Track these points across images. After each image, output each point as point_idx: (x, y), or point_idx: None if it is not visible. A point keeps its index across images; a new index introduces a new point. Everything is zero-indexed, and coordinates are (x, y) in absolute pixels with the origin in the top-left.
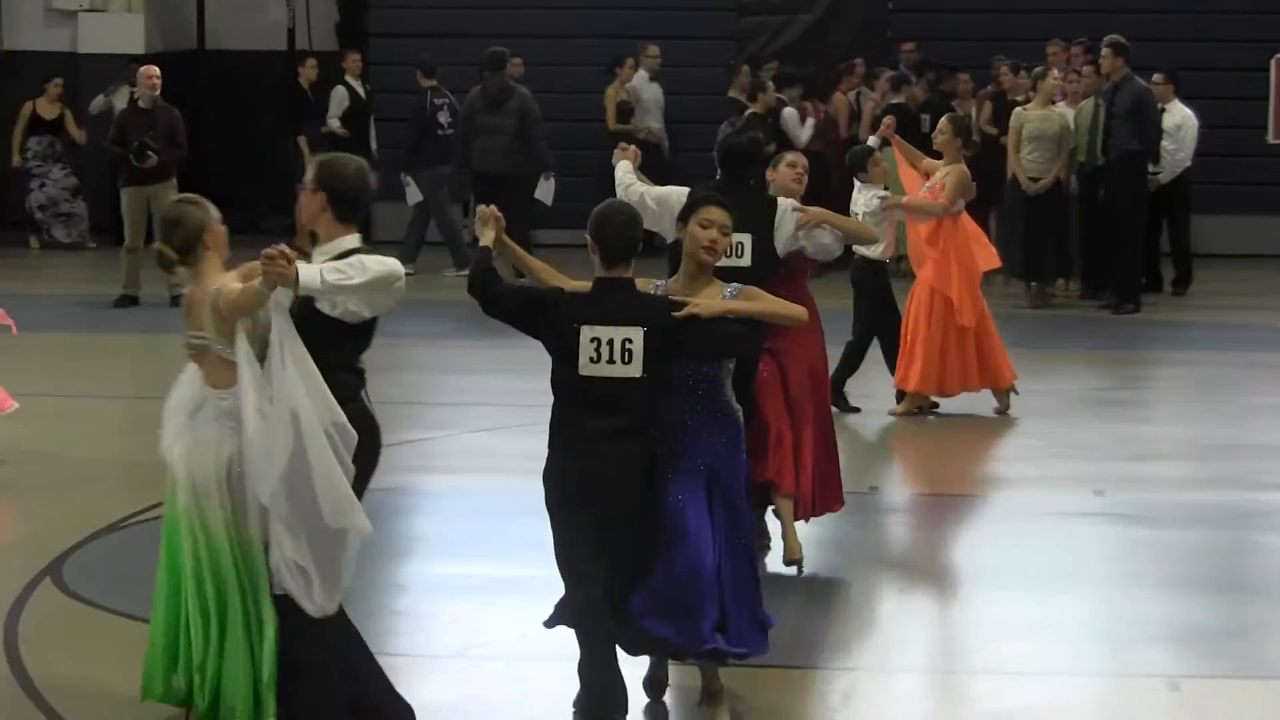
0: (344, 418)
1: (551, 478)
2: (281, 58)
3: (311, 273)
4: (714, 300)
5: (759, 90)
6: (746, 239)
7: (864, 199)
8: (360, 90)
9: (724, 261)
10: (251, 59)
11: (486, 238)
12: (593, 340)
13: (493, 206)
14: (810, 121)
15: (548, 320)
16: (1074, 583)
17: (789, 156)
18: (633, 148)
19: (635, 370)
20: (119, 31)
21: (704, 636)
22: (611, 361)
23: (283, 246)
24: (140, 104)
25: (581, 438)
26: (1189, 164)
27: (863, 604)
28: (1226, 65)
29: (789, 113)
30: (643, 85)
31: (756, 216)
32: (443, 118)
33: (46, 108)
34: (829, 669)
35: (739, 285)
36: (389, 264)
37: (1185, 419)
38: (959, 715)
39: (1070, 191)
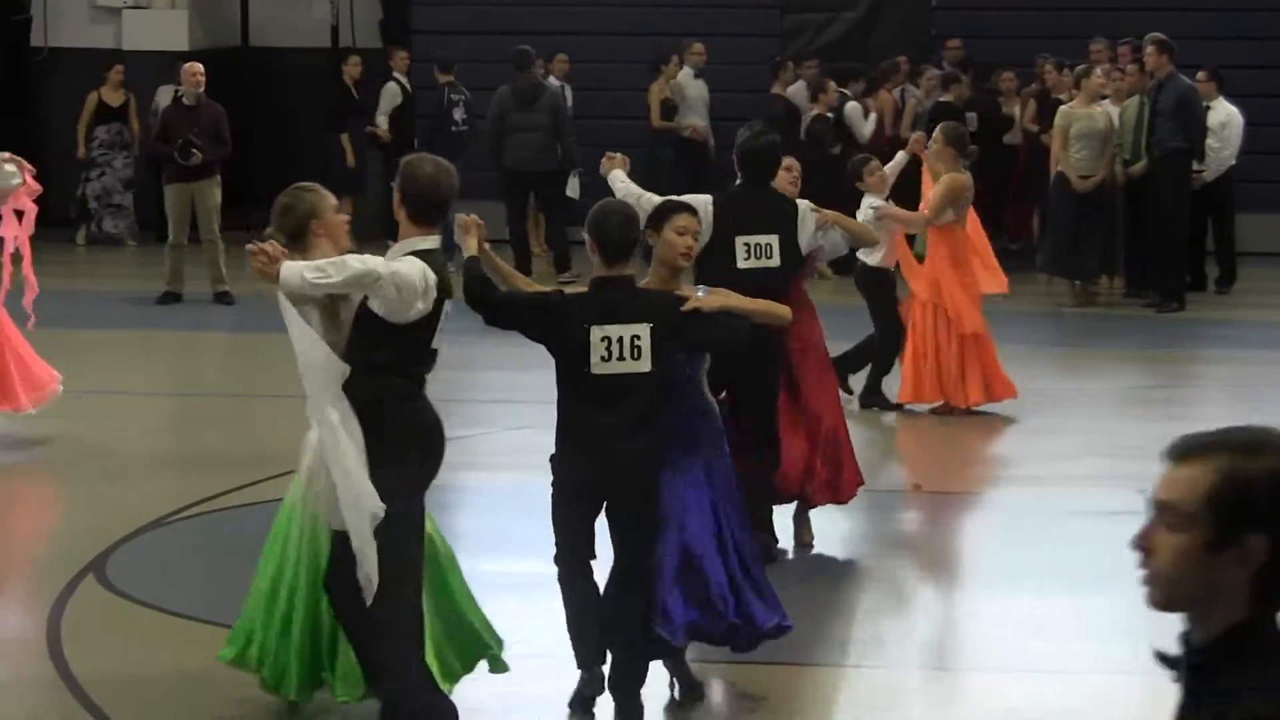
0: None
1: (561, 475)
2: (325, 55)
3: (292, 271)
4: (715, 296)
5: (820, 90)
6: (774, 240)
7: (864, 206)
8: (407, 87)
9: (753, 263)
10: (295, 56)
11: (470, 247)
12: (603, 339)
13: (473, 215)
14: (874, 117)
15: (555, 323)
16: (1115, 582)
17: (785, 160)
18: (620, 155)
19: (645, 365)
20: (163, 28)
21: (727, 616)
22: (622, 358)
23: (266, 244)
24: (184, 101)
25: (594, 435)
26: (1234, 162)
27: (902, 602)
28: (1272, 63)
29: (852, 108)
30: (688, 82)
31: (781, 218)
32: (458, 114)
33: (111, 95)
34: (869, 667)
35: (706, 286)
36: (370, 263)
37: (1228, 418)
38: (997, 714)
39: (1117, 184)
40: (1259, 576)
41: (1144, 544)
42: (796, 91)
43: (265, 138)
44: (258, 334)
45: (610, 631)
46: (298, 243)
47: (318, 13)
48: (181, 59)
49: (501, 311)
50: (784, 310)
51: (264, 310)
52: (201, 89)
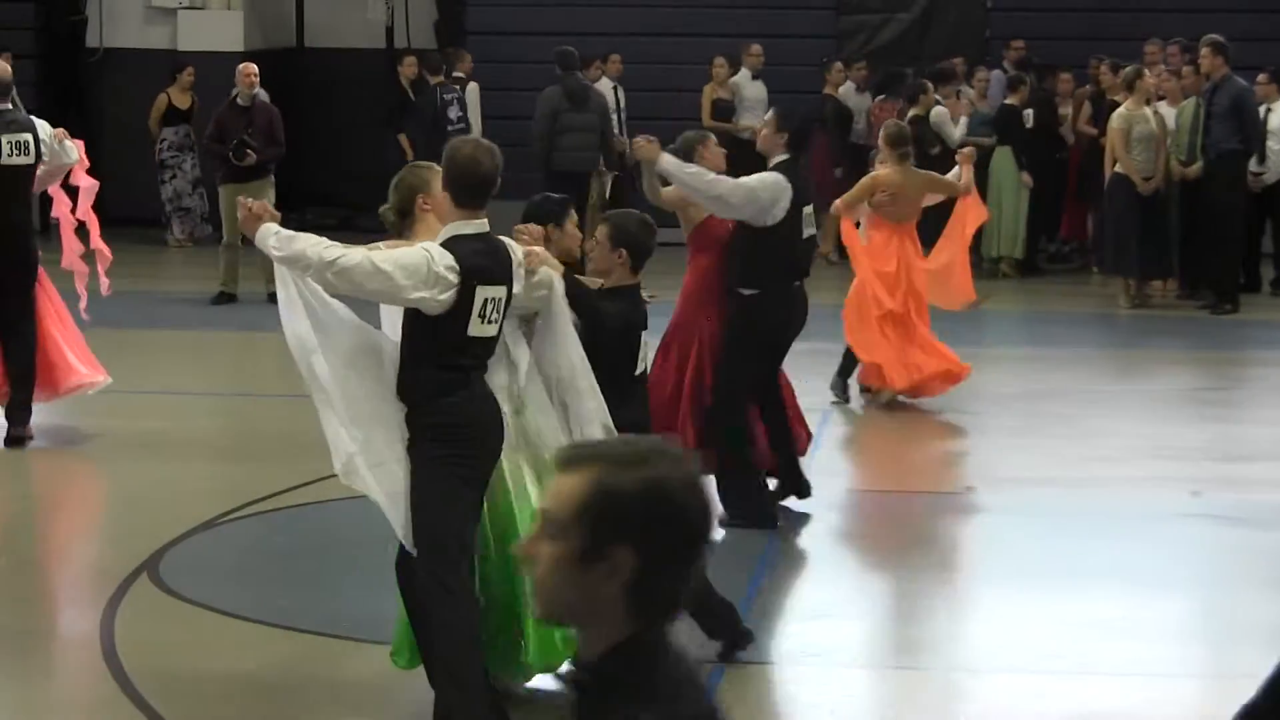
0: None
1: None
2: (380, 55)
3: (264, 232)
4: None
5: (920, 92)
6: (810, 209)
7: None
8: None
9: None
10: (350, 57)
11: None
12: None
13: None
14: (964, 120)
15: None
16: (1171, 583)
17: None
18: (654, 139)
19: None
20: (218, 29)
21: None
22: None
23: (250, 201)
24: (239, 102)
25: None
26: None
27: (961, 604)
28: None
29: (939, 111)
30: (745, 83)
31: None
32: (453, 113)
33: (180, 97)
34: (923, 669)
35: None
36: (354, 255)
37: None
38: (1055, 716)
39: (1172, 186)
40: (630, 590)
41: (528, 552)
42: (847, 92)
43: (319, 138)
44: None
45: None
46: (406, 219)
47: (373, 14)
48: (236, 60)
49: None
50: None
51: None
52: (255, 89)
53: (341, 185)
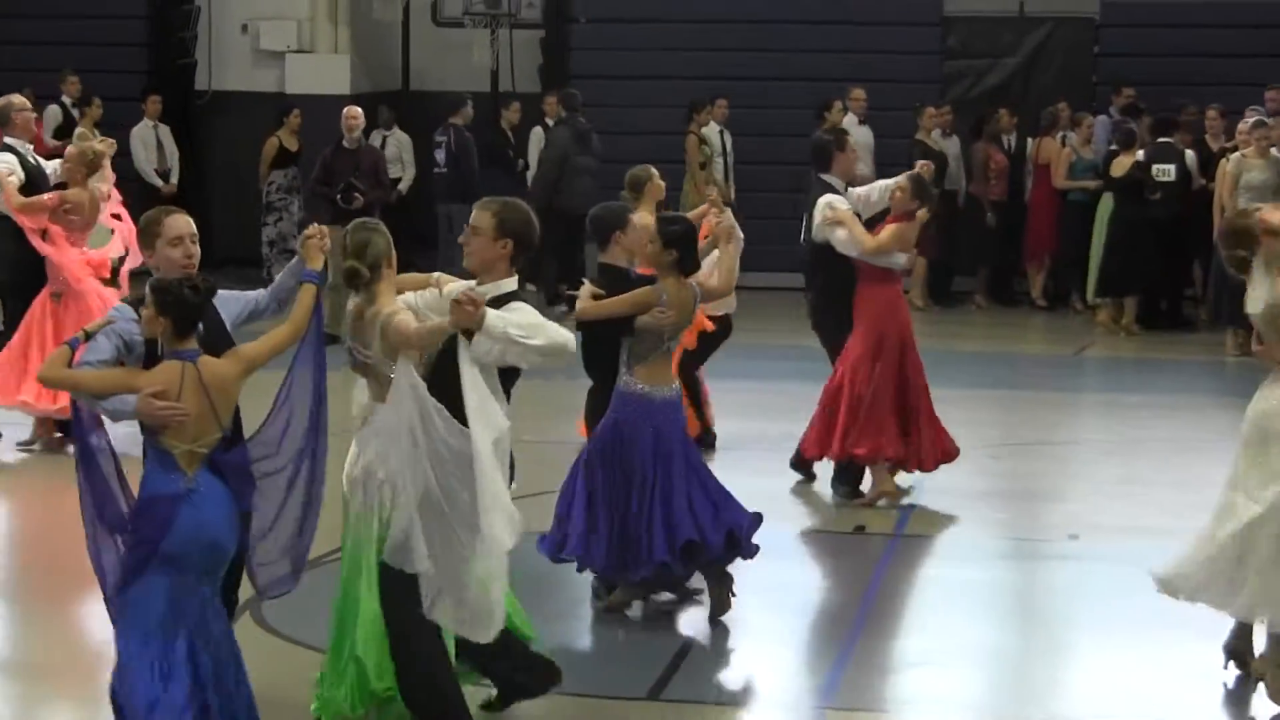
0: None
1: None
2: (485, 99)
3: (496, 323)
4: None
5: (1130, 137)
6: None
7: None
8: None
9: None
10: (455, 100)
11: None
12: None
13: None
14: (1192, 155)
15: None
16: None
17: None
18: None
19: None
20: (326, 72)
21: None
22: None
23: (474, 293)
24: (344, 144)
25: None
26: None
27: (1063, 653)
28: None
29: (1190, 155)
30: (852, 128)
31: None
32: (439, 155)
33: (289, 139)
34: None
35: None
36: (564, 336)
37: None
38: None
39: None
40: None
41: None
42: (936, 136)
43: (425, 179)
44: None
45: None
46: (373, 274)
47: (478, 58)
48: (343, 103)
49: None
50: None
51: None
52: (359, 132)
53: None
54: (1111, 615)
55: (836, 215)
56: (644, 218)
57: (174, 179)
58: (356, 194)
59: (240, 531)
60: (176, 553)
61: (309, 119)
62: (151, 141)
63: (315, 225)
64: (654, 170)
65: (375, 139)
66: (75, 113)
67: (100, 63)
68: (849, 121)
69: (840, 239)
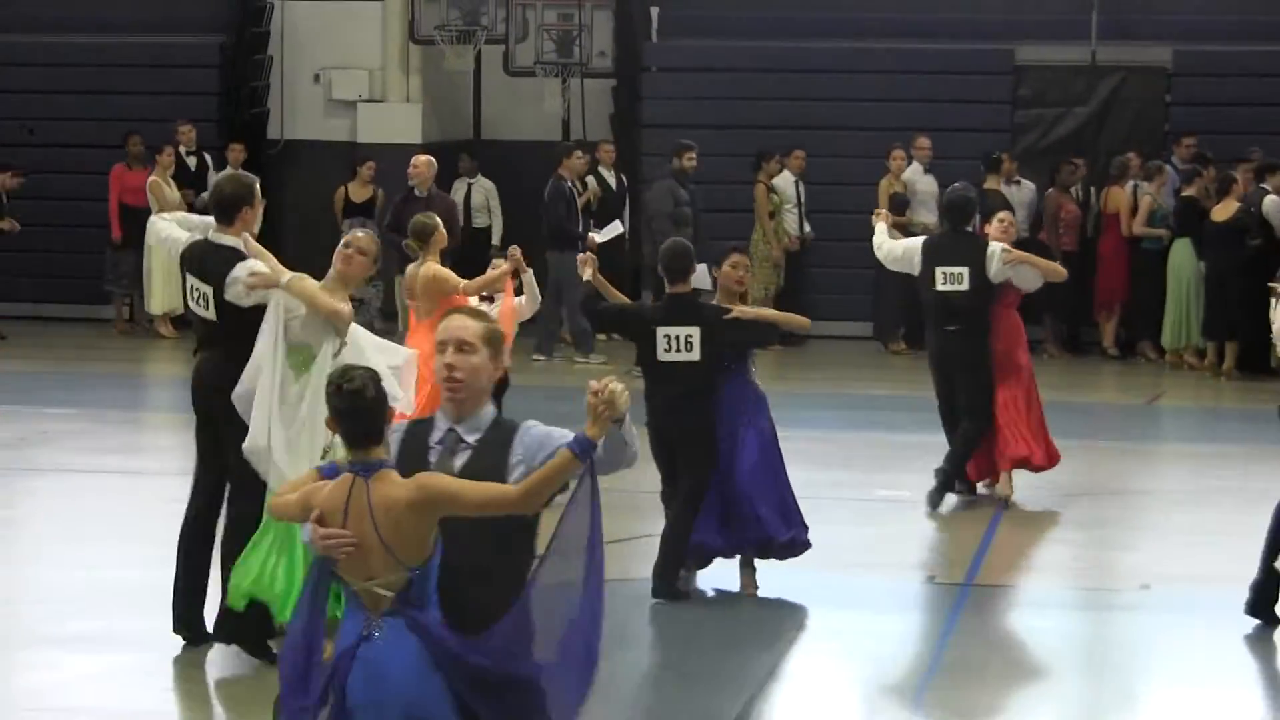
0: None
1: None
2: (556, 147)
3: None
4: (750, 309)
5: (1230, 183)
6: (965, 270)
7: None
8: (610, 180)
9: (945, 285)
10: (526, 148)
11: (587, 274)
12: (665, 336)
13: (587, 254)
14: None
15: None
16: None
17: (733, 258)
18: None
19: (695, 356)
20: (397, 121)
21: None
22: (674, 351)
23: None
24: (416, 193)
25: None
26: None
27: (1137, 705)
28: None
29: (1272, 201)
30: (917, 177)
31: (972, 253)
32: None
33: (358, 191)
34: None
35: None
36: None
37: None
38: None
39: None
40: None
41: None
42: (1005, 185)
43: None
44: None
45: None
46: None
47: (549, 106)
48: (414, 151)
49: (601, 318)
50: (803, 320)
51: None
52: (428, 181)
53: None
54: (1183, 666)
55: (1015, 256)
56: (429, 267)
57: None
58: None
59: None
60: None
61: (381, 168)
62: None
63: (599, 382)
64: (439, 220)
65: (459, 187)
66: (190, 160)
67: (173, 112)
68: (914, 170)
69: (1027, 275)
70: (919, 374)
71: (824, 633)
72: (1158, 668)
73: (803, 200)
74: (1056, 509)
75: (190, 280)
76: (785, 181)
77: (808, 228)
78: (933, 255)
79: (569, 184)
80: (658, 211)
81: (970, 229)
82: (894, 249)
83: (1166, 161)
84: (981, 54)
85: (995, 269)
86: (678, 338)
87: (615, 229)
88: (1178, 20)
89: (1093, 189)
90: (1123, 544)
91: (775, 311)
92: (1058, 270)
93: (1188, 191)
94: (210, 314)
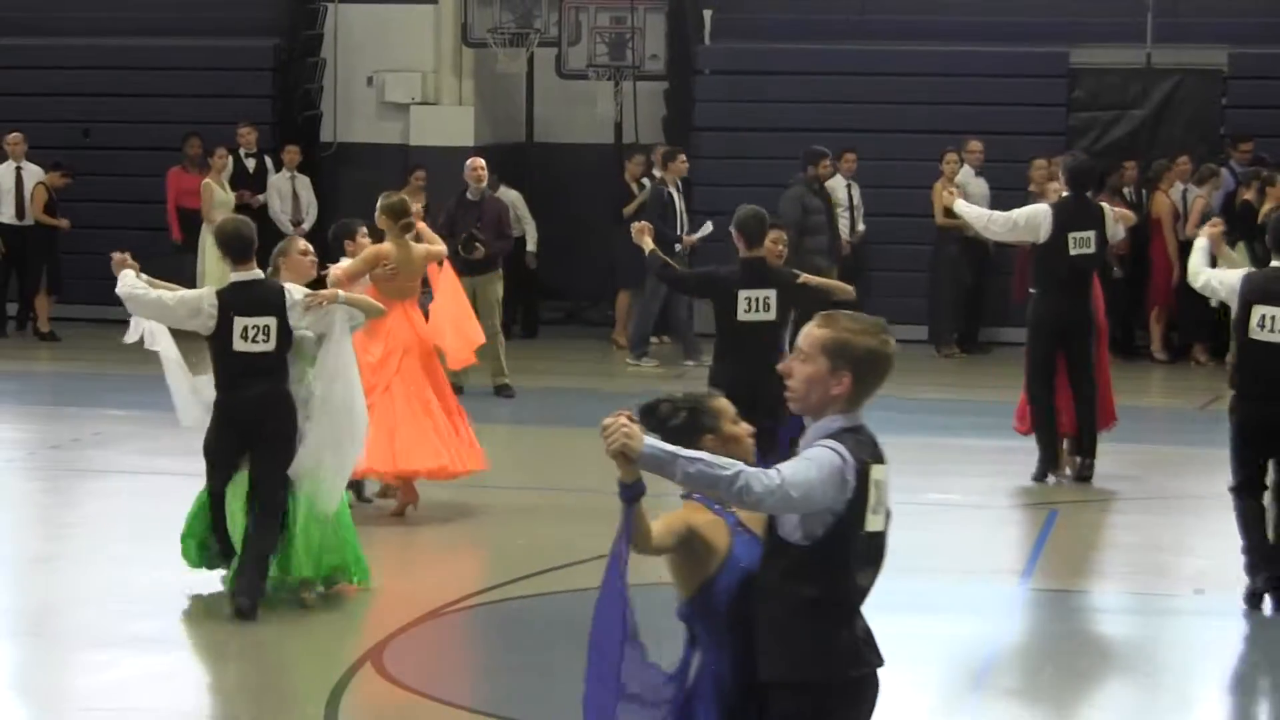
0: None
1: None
2: (609, 150)
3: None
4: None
5: (1269, 184)
6: (1092, 234)
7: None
8: (667, 184)
9: (1077, 250)
10: (579, 151)
11: (648, 246)
12: (745, 298)
13: (643, 222)
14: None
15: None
16: None
17: (773, 234)
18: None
19: (771, 315)
20: (450, 124)
21: None
22: (754, 312)
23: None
24: (468, 196)
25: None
26: None
27: (1193, 709)
28: None
29: None
30: (969, 180)
31: (1096, 219)
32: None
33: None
34: None
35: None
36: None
37: None
38: None
39: None
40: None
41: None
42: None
43: (548, 232)
44: (538, 427)
45: None
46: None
47: (602, 110)
48: (467, 154)
49: (682, 282)
50: (849, 289)
51: (545, 404)
52: (484, 183)
53: (569, 279)
54: (1238, 671)
55: (1120, 213)
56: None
57: (306, 226)
58: (478, 244)
59: None
60: None
61: (433, 170)
62: (287, 191)
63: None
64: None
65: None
66: (249, 163)
67: (227, 114)
68: (965, 173)
69: (1120, 233)
70: (970, 377)
71: (876, 636)
72: (1212, 673)
73: (856, 203)
74: (1109, 513)
75: (242, 322)
76: (838, 184)
77: (860, 226)
78: (1065, 221)
79: (667, 190)
80: (788, 221)
81: (1090, 194)
82: (1012, 216)
83: (1224, 165)
84: (1036, 57)
85: (1112, 229)
86: (757, 299)
87: (707, 228)
88: (1233, 23)
89: (1143, 191)
90: (1177, 548)
91: (830, 280)
92: (1128, 216)
93: (1246, 195)
94: (270, 345)
